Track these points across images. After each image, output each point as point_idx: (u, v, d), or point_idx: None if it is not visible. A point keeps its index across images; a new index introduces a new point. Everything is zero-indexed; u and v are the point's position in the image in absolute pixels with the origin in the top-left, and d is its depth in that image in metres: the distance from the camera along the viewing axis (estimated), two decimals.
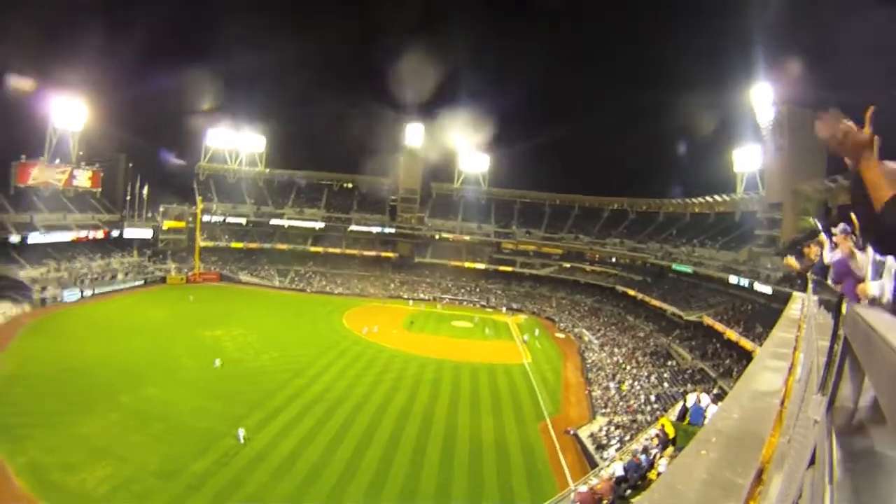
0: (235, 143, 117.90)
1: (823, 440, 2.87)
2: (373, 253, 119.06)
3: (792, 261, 10.63)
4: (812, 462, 2.93)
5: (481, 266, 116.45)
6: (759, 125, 75.28)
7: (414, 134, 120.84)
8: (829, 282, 7.31)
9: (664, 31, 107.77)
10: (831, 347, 4.01)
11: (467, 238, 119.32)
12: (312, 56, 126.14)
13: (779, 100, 70.99)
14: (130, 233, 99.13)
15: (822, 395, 3.70)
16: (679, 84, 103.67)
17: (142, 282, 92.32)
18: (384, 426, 42.92)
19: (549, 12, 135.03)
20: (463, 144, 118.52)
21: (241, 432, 38.13)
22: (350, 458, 36.70)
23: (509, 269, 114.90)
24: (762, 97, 72.91)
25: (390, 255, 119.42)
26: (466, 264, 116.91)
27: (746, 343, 53.01)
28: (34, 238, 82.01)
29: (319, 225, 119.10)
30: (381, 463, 36.49)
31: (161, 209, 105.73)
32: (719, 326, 61.93)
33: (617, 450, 37.32)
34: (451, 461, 38.14)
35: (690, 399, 22.28)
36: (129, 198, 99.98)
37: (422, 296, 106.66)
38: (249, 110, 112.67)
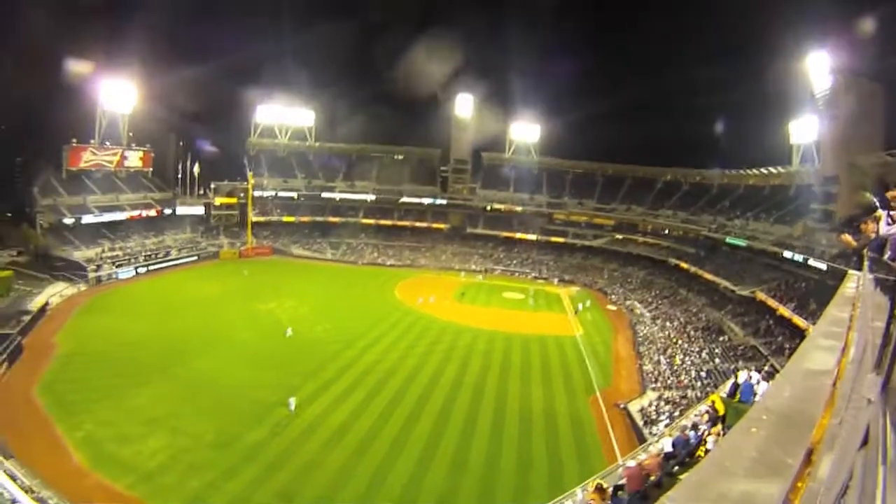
0: (285, 118, 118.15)
1: (877, 420, 2.84)
2: (424, 224, 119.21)
3: (848, 238, 10.39)
4: (864, 443, 2.89)
5: (533, 237, 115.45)
6: (814, 95, 73.42)
7: (464, 104, 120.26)
8: (887, 258, 7.13)
9: None
10: (888, 327, 3.95)
11: (519, 209, 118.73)
12: (361, 27, 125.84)
13: (836, 68, 69.07)
14: (183, 210, 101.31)
15: (877, 374, 3.65)
16: (736, 53, 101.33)
17: (195, 258, 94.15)
18: (435, 397, 43.42)
19: None
20: (514, 114, 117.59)
21: (293, 401, 39.02)
22: (400, 429, 37.29)
23: (561, 240, 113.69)
24: (818, 65, 70.97)
25: (442, 226, 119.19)
26: (518, 235, 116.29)
27: (799, 321, 51.97)
28: (88, 219, 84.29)
29: (371, 197, 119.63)
30: (432, 434, 37.00)
31: (212, 186, 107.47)
32: (772, 302, 60.80)
33: (666, 425, 37.10)
34: (501, 433, 38.45)
35: (741, 376, 22.04)
36: (180, 176, 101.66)
37: (474, 267, 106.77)
38: (298, 85, 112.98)
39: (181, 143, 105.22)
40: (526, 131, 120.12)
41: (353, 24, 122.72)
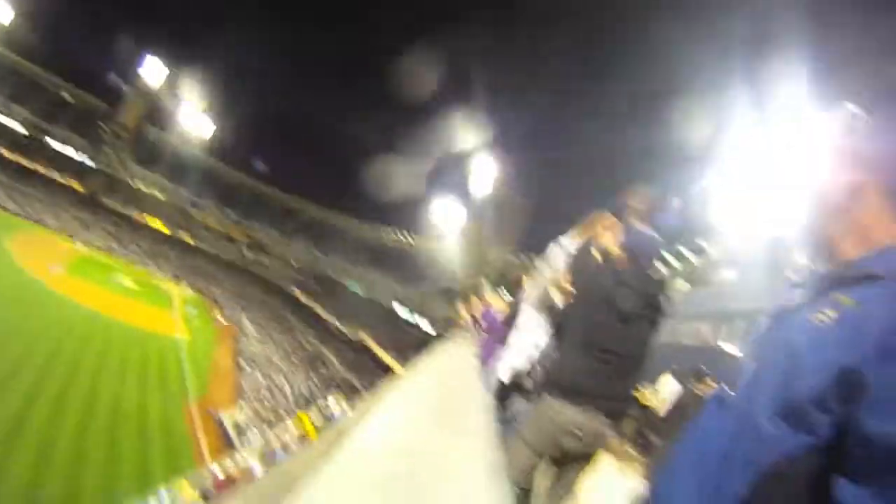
0: None
1: None
2: (61, 178, 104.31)
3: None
4: None
5: (166, 230, 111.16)
6: (470, 193, 79.76)
7: (151, 69, 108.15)
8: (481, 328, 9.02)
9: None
10: None
11: (161, 196, 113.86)
12: None
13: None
14: None
15: None
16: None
17: None
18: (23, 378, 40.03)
19: None
20: (191, 102, 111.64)
21: None
22: None
23: (192, 241, 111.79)
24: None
25: (78, 187, 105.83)
26: (151, 222, 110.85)
27: (398, 367, 58.04)
28: None
29: (19, 129, 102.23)
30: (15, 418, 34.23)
31: None
32: (376, 347, 66.32)
33: (258, 439, 39.09)
34: (88, 429, 36.66)
35: (331, 403, 24.64)
36: None
37: (97, 243, 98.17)
38: None
39: None
40: (199, 122, 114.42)
41: None
